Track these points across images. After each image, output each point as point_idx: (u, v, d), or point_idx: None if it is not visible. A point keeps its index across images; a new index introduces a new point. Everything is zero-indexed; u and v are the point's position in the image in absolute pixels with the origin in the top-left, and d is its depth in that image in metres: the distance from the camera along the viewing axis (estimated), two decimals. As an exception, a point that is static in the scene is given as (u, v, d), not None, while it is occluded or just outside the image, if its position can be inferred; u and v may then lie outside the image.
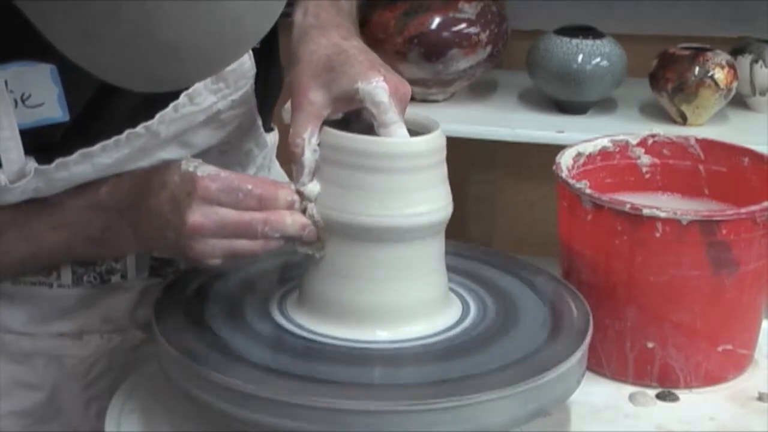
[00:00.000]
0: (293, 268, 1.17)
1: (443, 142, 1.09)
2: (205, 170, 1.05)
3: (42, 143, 1.09)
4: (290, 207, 1.06)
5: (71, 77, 1.09)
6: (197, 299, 1.13)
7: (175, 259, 1.26)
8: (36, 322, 1.23)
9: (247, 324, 1.09)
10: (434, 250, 1.10)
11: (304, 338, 1.07)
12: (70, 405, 1.26)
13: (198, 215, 1.04)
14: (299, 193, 1.07)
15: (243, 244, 1.05)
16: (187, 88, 1.12)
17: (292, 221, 1.05)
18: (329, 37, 1.13)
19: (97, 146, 1.09)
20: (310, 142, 1.07)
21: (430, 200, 1.07)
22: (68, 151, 1.09)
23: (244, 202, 1.04)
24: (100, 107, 1.13)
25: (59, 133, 1.11)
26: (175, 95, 1.13)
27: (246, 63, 1.16)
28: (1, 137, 1.06)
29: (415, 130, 1.09)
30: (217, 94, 1.16)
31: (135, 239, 1.12)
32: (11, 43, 1.04)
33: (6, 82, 1.05)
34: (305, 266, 1.11)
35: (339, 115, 1.11)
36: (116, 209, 1.12)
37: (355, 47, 1.12)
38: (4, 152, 1.07)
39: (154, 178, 1.09)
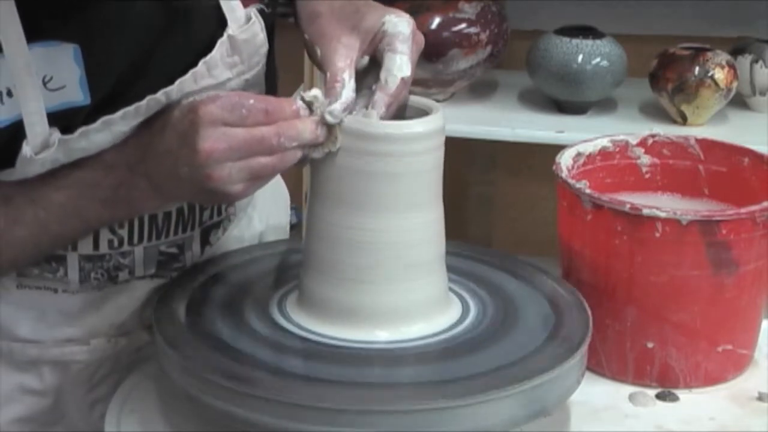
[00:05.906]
0: (292, 268, 1.17)
1: (443, 124, 1.08)
2: (203, 95, 1.05)
3: (62, 128, 1.08)
4: (296, 114, 1.05)
5: (94, 60, 1.08)
6: (197, 300, 1.13)
7: (181, 253, 1.25)
8: (43, 328, 1.21)
9: (246, 324, 1.09)
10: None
11: (303, 338, 1.07)
12: (74, 408, 1.25)
13: (208, 140, 1.02)
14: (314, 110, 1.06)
15: (260, 162, 1.04)
16: (205, 55, 1.12)
17: (303, 126, 1.04)
18: None
19: (118, 113, 1.08)
20: (348, 83, 1.07)
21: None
22: None
23: (250, 117, 1.03)
24: (122, 93, 1.11)
25: (80, 118, 1.09)
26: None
27: (258, 35, 1.15)
28: (28, 111, 1.05)
29: (419, 108, 1.10)
30: (232, 69, 1.14)
31: (151, 190, 1.10)
32: (34, 22, 1.03)
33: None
34: (305, 266, 1.11)
35: (365, 60, 1.11)
36: (124, 165, 1.10)
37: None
38: (29, 126, 1.06)
39: (155, 123, 1.08)
